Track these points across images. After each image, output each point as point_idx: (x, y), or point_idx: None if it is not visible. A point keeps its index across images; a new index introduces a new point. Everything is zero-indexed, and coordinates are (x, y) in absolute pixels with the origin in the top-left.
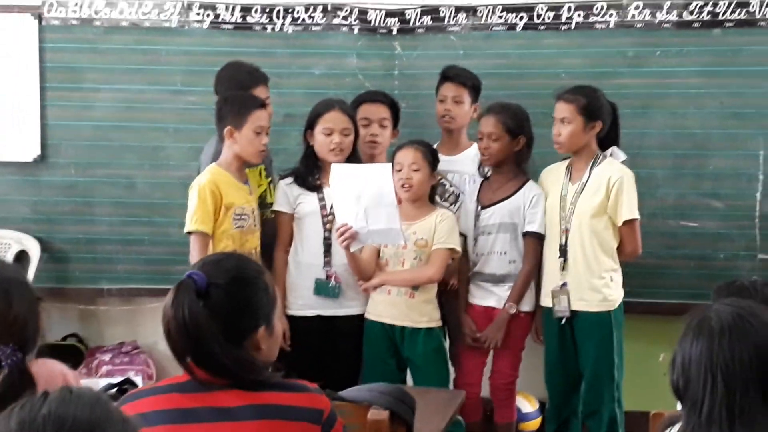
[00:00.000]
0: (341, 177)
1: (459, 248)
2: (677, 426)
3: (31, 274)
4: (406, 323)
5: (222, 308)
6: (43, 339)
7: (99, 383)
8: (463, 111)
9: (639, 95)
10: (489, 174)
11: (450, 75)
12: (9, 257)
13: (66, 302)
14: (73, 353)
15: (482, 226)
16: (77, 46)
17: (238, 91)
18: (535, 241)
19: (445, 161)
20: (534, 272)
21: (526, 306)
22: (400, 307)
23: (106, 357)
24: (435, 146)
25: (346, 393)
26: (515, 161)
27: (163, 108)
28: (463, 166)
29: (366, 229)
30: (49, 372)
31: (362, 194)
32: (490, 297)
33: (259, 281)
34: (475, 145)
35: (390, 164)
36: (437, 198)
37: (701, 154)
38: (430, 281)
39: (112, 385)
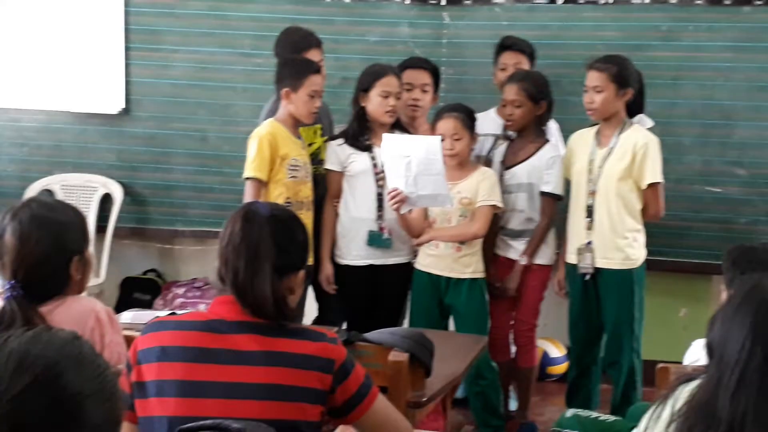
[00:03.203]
0: (392, 146)
1: (501, 204)
2: (695, 382)
3: (114, 215)
4: (452, 274)
5: (280, 239)
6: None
7: (156, 313)
8: None
9: (670, 67)
10: (513, 137)
11: (508, 44)
12: (95, 199)
13: (146, 241)
14: (152, 286)
15: (505, 185)
16: (158, 10)
17: (293, 53)
18: (550, 200)
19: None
20: (548, 229)
21: (542, 259)
22: (446, 260)
23: (180, 291)
24: (494, 110)
25: (370, 335)
26: (536, 125)
27: (233, 69)
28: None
29: (415, 194)
30: (82, 308)
31: (412, 162)
32: (509, 249)
33: (305, 228)
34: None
35: (440, 137)
36: None
37: (727, 124)
38: (475, 237)
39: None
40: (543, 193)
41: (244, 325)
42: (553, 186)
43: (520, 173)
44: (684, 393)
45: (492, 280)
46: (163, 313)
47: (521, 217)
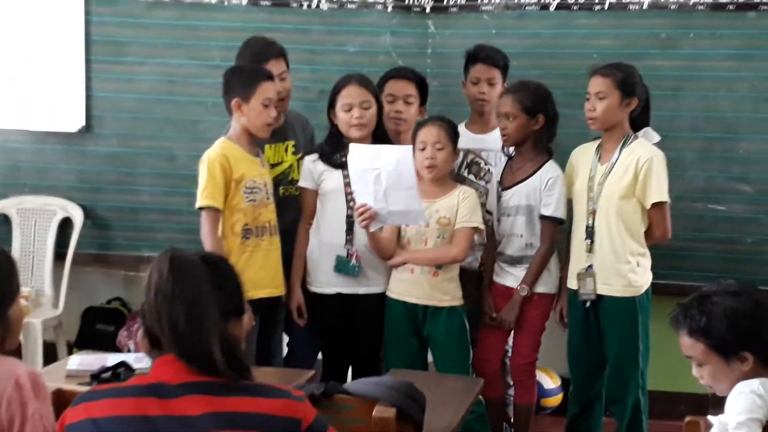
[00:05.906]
0: (359, 157)
1: (482, 226)
2: None
3: (74, 241)
4: (429, 302)
5: (219, 281)
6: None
7: (108, 357)
8: (497, 92)
9: (670, 77)
10: (513, 154)
11: (482, 56)
12: (54, 223)
13: (110, 268)
14: (116, 316)
15: (503, 207)
16: (121, 20)
17: (249, 64)
18: (551, 224)
19: (477, 140)
20: (549, 255)
21: (542, 288)
22: (423, 286)
23: None
24: (464, 124)
25: (351, 386)
26: (534, 141)
27: (202, 82)
28: (495, 144)
29: (386, 210)
30: (2, 372)
31: (381, 175)
32: (508, 277)
33: (236, 270)
34: None
35: (411, 147)
36: (472, 177)
37: (731, 138)
38: (454, 261)
39: (106, 369)
40: (543, 217)
41: (190, 386)
42: (553, 209)
43: (518, 194)
44: None
45: (488, 309)
46: (115, 358)
47: (520, 242)
